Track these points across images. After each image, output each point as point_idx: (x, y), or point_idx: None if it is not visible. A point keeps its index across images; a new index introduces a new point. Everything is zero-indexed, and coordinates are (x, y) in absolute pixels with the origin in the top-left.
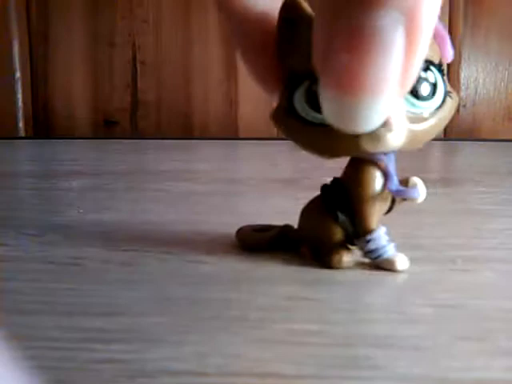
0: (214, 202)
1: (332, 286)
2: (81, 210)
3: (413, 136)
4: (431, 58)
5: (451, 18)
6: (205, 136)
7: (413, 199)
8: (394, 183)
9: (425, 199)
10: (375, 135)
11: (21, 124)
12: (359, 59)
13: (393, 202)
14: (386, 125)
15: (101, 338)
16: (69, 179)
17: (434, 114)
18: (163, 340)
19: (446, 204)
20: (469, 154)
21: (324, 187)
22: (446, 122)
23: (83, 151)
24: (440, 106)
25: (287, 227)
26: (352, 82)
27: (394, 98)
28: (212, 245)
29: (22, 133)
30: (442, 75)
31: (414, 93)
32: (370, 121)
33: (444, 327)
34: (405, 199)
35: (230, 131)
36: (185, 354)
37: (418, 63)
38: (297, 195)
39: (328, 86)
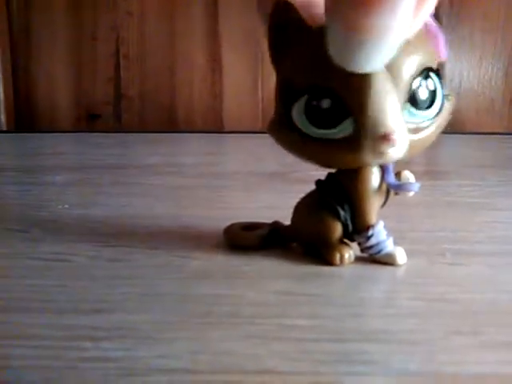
0: (201, 196)
1: (324, 281)
2: (66, 206)
3: (413, 146)
4: (430, 64)
5: (435, 11)
6: (189, 129)
7: (409, 192)
8: (392, 177)
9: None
10: (377, 150)
11: (2, 118)
12: (367, 8)
13: (387, 195)
14: (388, 141)
15: (91, 335)
16: (53, 174)
17: (433, 122)
18: (154, 337)
19: (433, 197)
20: (453, 146)
21: (319, 183)
22: (444, 125)
23: (67, 145)
24: (438, 113)
25: (277, 224)
26: (360, 23)
27: (398, 43)
28: (200, 239)
29: (4, 127)
30: (440, 79)
31: (415, 102)
32: (374, 61)
33: (437, 321)
34: (397, 193)
35: (214, 124)
36: (176, 351)
37: (427, 13)
38: (283, 189)
39: (337, 27)
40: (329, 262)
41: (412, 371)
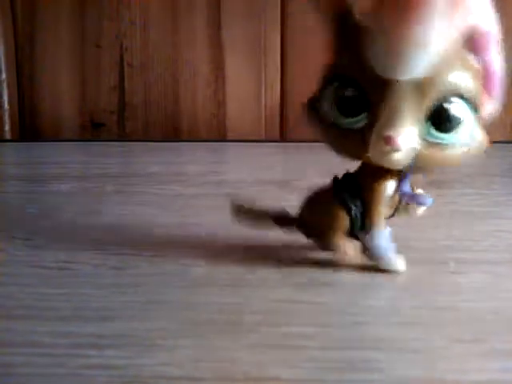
0: (205, 204)
1: (328, 290)
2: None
3: (425, 159)
4: (463, 92)
5: None
6: (193, 138)
7: (421, 205)
8: (408, 187)
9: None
10: (381, 149)
11: (7, 127)
12: (408, 17)
13: (396, 207)
14: (391, 143)
15: (94, 343)
16: (57, 182)
17: (453, 147)
18: (157, 345)
19: (437, 206)
20: None
21: (335, 180)
22: (471, 156)
23: (70, 154)
24: (463, 141)
25: (285, 210)
26: (402, 33)
27: (437, 54)
28: (204, 247)
29: (9, 136)
30: (476, 114)
31: (433, 121)
32: (416, 68)
33: (440, 329)
34: (408, 204)
35: (218, 133)
36: (179, 359)
37: (463, 21)
38: (287, 197)
39: (378, 35)
40: (332, 250)
41: (414, 378)
